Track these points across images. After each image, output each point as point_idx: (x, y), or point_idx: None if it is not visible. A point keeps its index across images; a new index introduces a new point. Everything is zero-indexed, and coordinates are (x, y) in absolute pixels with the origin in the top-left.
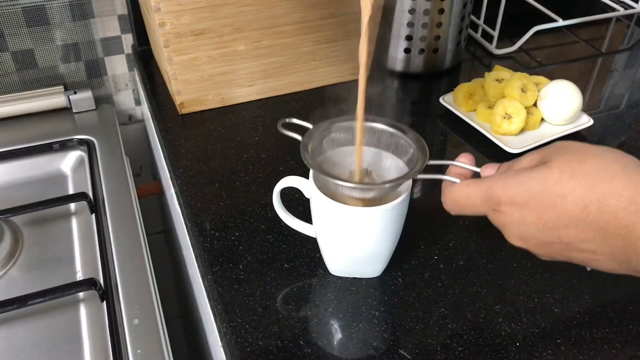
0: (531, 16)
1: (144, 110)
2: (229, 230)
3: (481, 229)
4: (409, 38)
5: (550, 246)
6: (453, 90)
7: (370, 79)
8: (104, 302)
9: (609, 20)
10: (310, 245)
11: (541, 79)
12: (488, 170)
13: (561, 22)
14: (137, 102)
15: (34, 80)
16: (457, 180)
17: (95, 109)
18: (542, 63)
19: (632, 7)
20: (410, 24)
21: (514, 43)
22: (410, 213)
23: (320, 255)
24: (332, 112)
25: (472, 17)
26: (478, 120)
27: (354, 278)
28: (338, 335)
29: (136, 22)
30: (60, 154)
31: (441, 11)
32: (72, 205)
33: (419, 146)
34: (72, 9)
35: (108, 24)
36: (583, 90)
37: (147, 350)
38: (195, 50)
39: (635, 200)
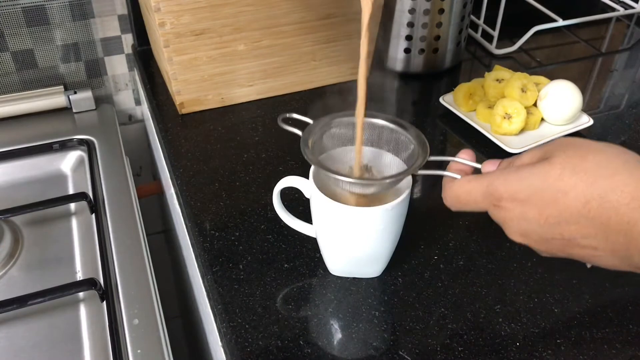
0: (531, 16)
1: (144, 110)
2: (229, 230)
3: (481, 229)
4: (409, 38)
5: (551, 242)
6: (453, 90)
7: (370, 79)
8: (104, 302)
9: (609, 20)
10: (310, 245)
11: (541, 79)
12: (489, 166)
13: (561, 22)
14: (137, 102)
15: (34, 80)
16: (458, 176)
17: (95, 109)
18: (542, 63)
19: (632, 7)
20: (410, 24)
21: (514, 43)
22: (410, 213)
23: (320, 255)
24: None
25: (472, 17)
26: (478, 120)
27: (354, 278)
28: (338, 335)
29: (136, 22)
30: (60, 154)
31: (441, 11)
32: (72, 205)
33: (419, 142)
34: (72, 9)
35: (108, 24)
36: (583, 90)
37: (147, 350)
38: (195, 50)
39: (637, 196)
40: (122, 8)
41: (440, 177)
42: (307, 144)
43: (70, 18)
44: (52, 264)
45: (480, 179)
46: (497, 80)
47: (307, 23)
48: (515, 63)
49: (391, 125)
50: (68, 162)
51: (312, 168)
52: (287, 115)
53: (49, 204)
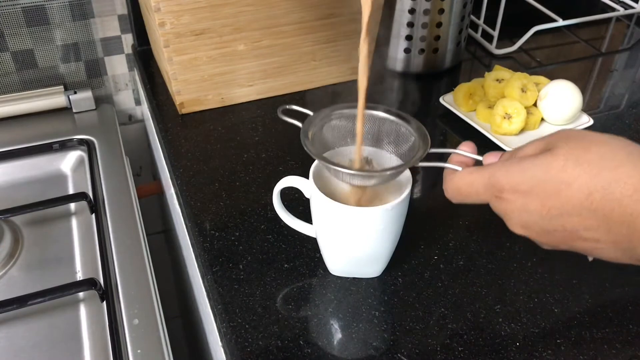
0: (531, 16)
1: (144, 110)
2: (229, 230)
3: (481, 229)
4: (409, 38)
5: (553, 234)
6: (453, 90)
7: (370, 79)
8: (104, 302)
9: (609, 20)
10: (310, 245)
11: (541, 79)
12: (490, 158)
13: (561, 22)
14: (137, 102)
15: (34, 80)
16: (459, 169)
17: (95, 109)
18: (542, 63)
19: (632, 7)
20: (410, 24)
21: (514, 43)
22: (410, 213)
23: (320, 255)
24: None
25: (472, 17)
26: (478, 120)
27: (354, 278)
28: (338, 335)
29: (136, 22)
30: (60, 154)
31: (441, 11)
32: (72, 205)
33: (420, 134)
34: (72, 9)
35: (108, 24)
36: (583, 90)
37: (147, 350)
38: (195, 50)
39: None
40: (122, 8)
41: (441, 173)
42: (307, 135)
43: (70, 18)
44: (52, 264)
45: (481, 171)
46: (497, 80)
47: (307, 23)
48: (515, 63)
49: (392, 118)
50: (68, 162)
51: (312, 168)
52: (287, 106)
53: (49, 204)
